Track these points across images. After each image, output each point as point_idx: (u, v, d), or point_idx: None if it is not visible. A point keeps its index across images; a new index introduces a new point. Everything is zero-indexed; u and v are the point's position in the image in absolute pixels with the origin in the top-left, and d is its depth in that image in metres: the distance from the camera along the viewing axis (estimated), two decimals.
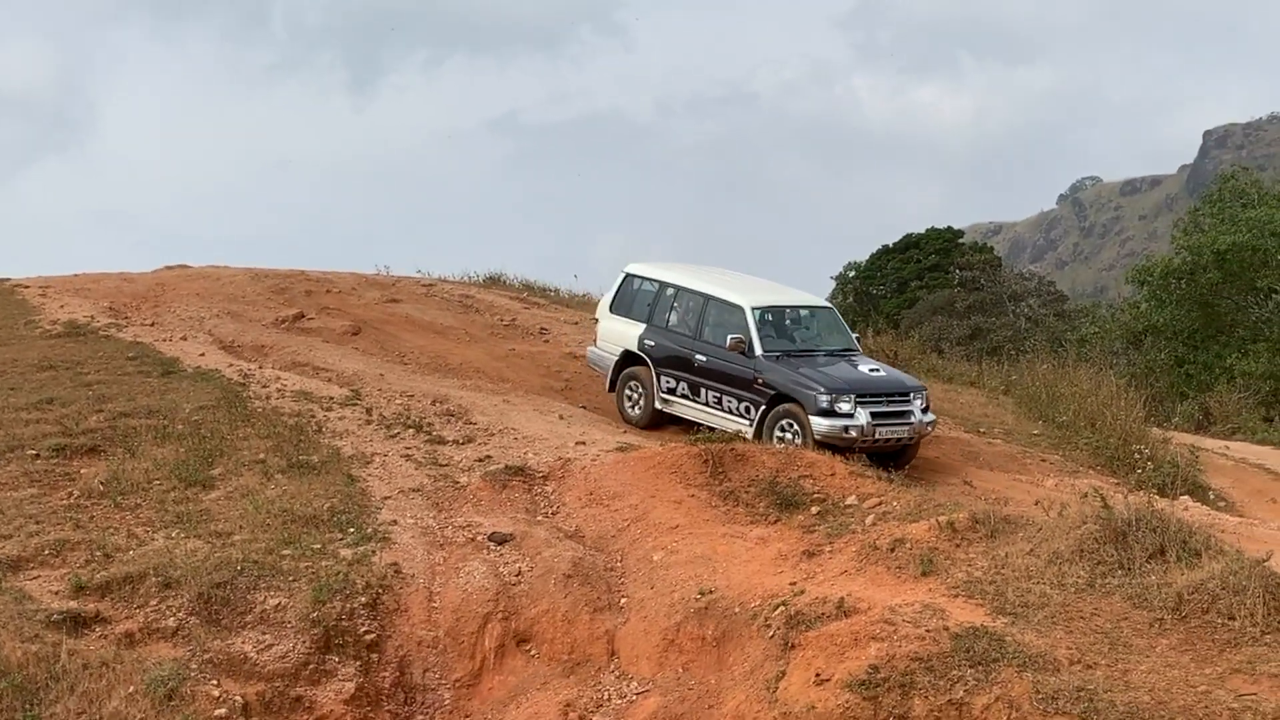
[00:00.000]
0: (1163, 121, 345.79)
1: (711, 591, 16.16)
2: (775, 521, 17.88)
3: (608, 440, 20.77)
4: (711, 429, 21.41)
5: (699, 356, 22.03)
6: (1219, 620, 14.01)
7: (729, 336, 21.47)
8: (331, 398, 22.03)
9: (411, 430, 20.86)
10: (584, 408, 23.77)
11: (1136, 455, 22.81)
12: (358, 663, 15.70)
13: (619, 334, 23.37)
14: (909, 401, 21.18)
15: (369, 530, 17.49)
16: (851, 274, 62.92)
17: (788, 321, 22.62)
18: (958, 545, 16.04)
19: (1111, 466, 23.35)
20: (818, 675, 13.82)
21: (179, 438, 19.87)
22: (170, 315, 27.25)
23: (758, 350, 21.37)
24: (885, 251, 62.11)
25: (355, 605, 16.11)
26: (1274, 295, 36.34)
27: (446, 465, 19.69)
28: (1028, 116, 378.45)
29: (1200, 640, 13.85)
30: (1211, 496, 22.49)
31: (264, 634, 15.60)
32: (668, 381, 22.41)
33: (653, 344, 22.73)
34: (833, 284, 63.26)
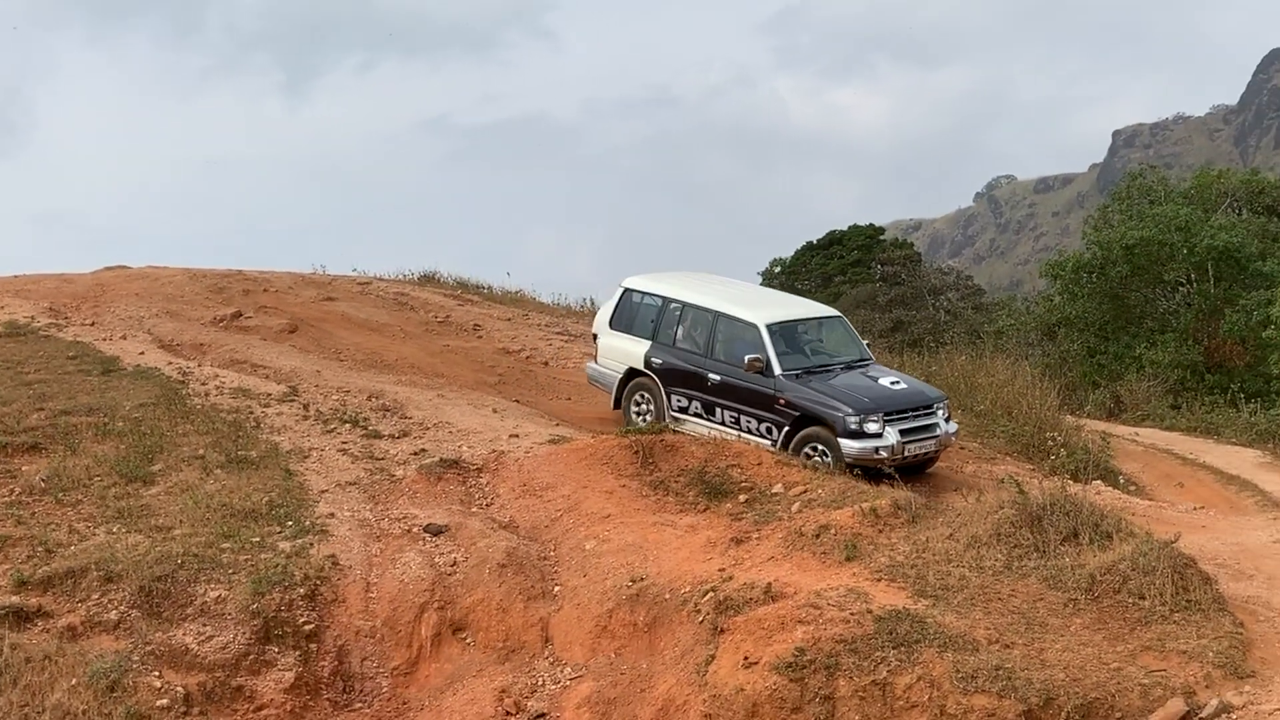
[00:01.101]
0: (1074, 122, 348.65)
1: (643, 578, 16.18)
2: (704, 510, 17.92)
3: (540, 433, 20.74)
4: None
5: (712, 375, 20.71)
6: (1130, 600, 14.19)
7: (746, 357, 20.11)
8: (269, 394, 21.89)
9: (348, 425, 20.76)
10: (517, 402, 23.70)
11: (1051, 442, 22.99)
12: (297, 652, 15.64)
13: (622, 351, 22.00)
14: (933, 414, 20.14)
15: (307, 523, 17.42)
16: (777, 270, 62.91)
17: (801, 335, 21.30)
18: (880, 531, 16.16)
19: (1027, 453, 23.53)
20: (746, 658, 13.87)
21: (119, 435, 19.69)
22: (110, 315, 26.98)
23: (777, 370, 20.04)
24: (809, 248, 62.19)
25: (294, 596, 16.04)
26: (1180, 288, 36.76)
27: (382, 459, 19.61)
28: (944, 117, 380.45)
29: (1112, 619, 14.03)
30: (1122, 481, 22.72)
31: (205, 626, 15.52)
32: (679, 400, 21.14)
33: (660, 361, 21.37)
34: (759, 279, 63.33)
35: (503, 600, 16.53)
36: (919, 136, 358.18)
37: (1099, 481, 21.37)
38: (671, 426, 20.77)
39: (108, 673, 14.43)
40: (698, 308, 21.37)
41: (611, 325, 22.35)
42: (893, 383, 20.43)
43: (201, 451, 19.32)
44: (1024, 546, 15.24)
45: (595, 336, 22.89)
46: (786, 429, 19.83)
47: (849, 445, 19.23)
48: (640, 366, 21.63)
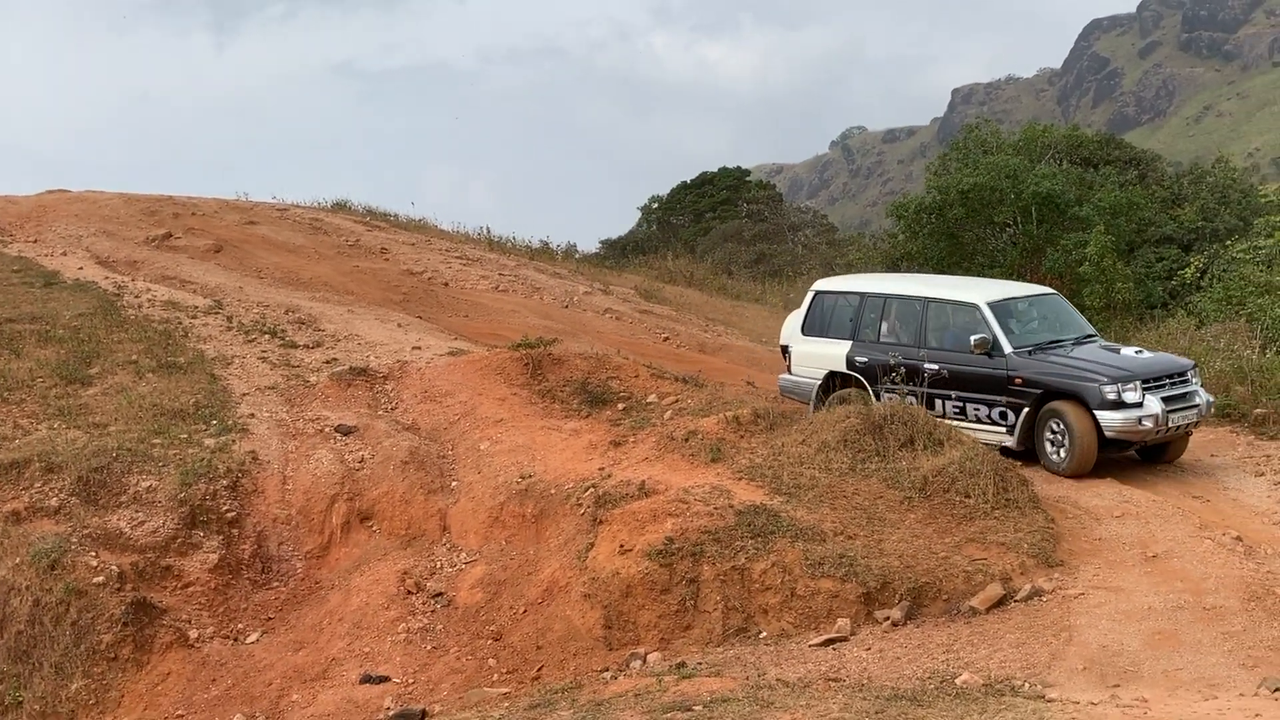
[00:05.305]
0: (918, 80, 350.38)
1: (531, 476, 16.26)
2: (587, 416, 18.01)
3: (440, 345, 20.70)
4: None
5: (929, 365, 17.10)
6: (957, 498, 14.50)
7: (972, 338, 16.68)
8: (196, 307, 21.67)
9: (267, 336, 20.62)
10: (420, 318, 23.63)
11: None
12: (220, 537, 15.63)
13: (819, 356, 18.30)
14: (1189, 382, 16.71)
15: (230, 422, 17.32)
16: (654, 206, 63.01)
17: (1022, 313, 17.67)
18: (742, 436, 16.34)
19: None
20: (621, 546, 14.01)
21: (60, 341, 19.43)
22: (51, 234, 26.52)
23: (1006, 348, 16.61)
24: (683, 187, 62.24)
25: (218, 487, 15.99)
26: (1008, 229, 37.10)
27: (298, 366, 19.51)
28: (803, 72, 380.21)
29: (942, 515, 14.33)
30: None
31: (137, 512, 15.44)
32: (890, 398, 17.26)
33: (866, 360, 17.72)
34: (639, 214, 63.39)
35: (405, 493, 16.56)
36: (781, 89, 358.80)
37: None
38: None
39: (49, 553, 14.36)
40: (903, 297, 17.95)
41: (804, 332, 18.74)
42: (1136, 351, 17.12)
43: (135, 357, 19.12)
44: (867, 451, 15.49)
45: (785, 349, 19.11)
46: (1026, 410, 16.40)
47: (1109, 417, 15.93)
48: (842, 368, 18.07)
